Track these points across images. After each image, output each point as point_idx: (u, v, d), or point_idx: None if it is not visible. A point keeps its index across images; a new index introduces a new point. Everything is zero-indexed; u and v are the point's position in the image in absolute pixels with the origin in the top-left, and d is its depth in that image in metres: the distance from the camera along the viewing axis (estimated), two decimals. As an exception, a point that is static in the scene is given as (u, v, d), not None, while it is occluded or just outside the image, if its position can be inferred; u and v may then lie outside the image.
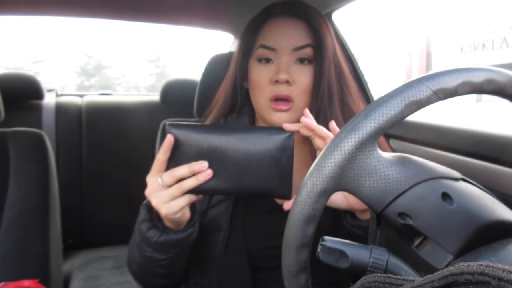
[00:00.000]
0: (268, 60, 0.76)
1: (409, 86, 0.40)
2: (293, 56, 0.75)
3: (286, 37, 0.75)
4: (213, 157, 0.60)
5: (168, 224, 0.66)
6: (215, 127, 0.63)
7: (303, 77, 0.75)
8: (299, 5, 0.79)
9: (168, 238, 0.65)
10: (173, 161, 0.61)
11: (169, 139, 0.59)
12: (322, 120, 0.75)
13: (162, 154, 0.60)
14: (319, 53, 0.76)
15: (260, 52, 0.76)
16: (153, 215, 0.68)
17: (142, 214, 0.68)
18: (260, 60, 0.77)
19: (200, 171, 0.59)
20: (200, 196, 0.65)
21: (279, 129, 0.62)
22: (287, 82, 0.73)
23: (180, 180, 0.60)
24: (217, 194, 0.73)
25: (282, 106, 0.74)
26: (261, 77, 0.76)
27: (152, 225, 0.66)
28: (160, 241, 0.65)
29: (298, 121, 0.77)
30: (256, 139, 0.60)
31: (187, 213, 0.65)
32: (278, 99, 0.74)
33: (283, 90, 0.74)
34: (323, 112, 0.76)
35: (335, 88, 0.77)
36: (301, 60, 0.76)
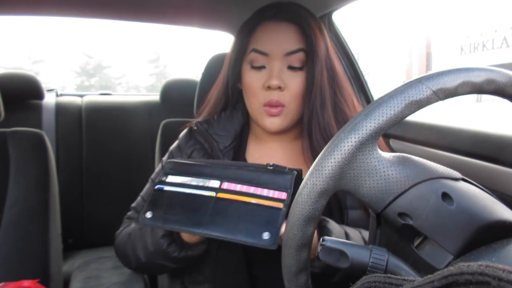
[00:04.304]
0: (260, 67, 0.77)
1: (409, 86, 0.40)
2: (285, 61, 0.76)
3: (278, 42, 0.76)
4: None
5: (186, 238, 0.70)
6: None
7: (294, 82, 0.76)
8: (292, 9, 0.79)
9: (187, 255, 0.70)
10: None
11: None
12: (315, 124, 0.76)
13: None
14: (311, 57, 0.76)
15: (253, 56, 0.77)
16: None
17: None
18: (252, 66, 0.77)
19: None
20: None
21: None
22: (279, 88, 0.74)
23: None
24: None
25: (274, 109, 0.75)
26: (253, 82, 0.77)
27: (171, 240, 0.70)
28: (180, 257, 0.70)
29: (289, 125, 0.78)
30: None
31: None
32: (270, 104, 0.75)
33: (274, 96, 0.75)
34: (315, 116, 0.76)
35: (327, 92, 0.78)
36: (293, 68, 0.76)
